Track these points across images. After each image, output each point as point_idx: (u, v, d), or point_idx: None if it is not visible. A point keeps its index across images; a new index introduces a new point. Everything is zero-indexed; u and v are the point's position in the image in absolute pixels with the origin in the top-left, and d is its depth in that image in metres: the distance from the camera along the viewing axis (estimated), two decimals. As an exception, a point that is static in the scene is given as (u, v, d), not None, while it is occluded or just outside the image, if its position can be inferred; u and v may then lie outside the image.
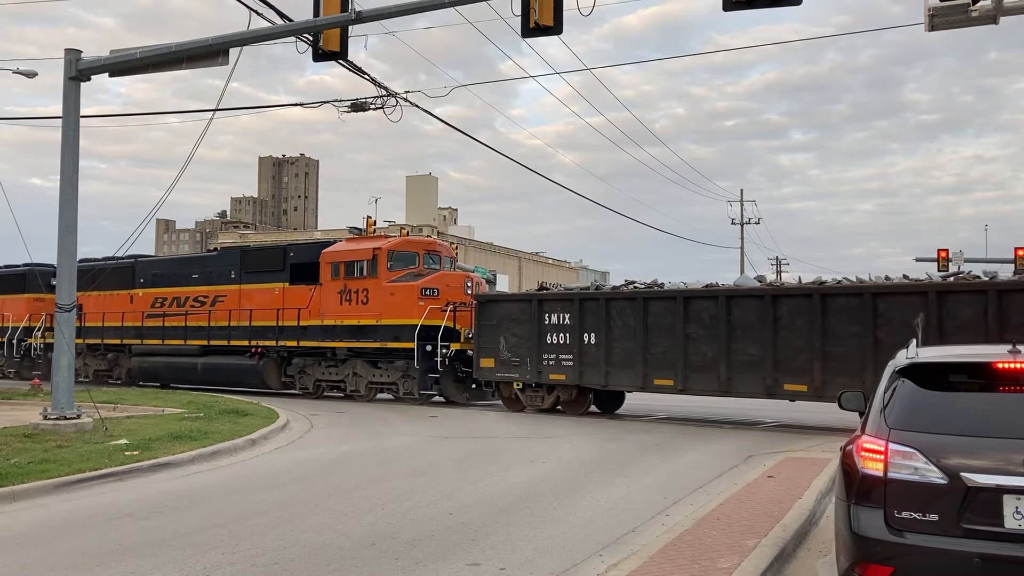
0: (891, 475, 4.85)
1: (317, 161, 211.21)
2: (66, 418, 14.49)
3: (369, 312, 21.78)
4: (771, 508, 8.46)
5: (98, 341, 28.55)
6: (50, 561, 6.91)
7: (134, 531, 7.89)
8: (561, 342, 18.96)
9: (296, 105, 19.75)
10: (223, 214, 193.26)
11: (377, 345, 21.77)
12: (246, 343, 24.38)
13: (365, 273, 21.92)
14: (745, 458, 12.57)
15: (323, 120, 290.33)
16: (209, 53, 14.98)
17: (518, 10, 12.86)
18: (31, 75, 23.43)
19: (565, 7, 12.75)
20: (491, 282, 45.14)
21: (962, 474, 4.68)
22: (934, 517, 4.71)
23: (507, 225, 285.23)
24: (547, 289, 20.72)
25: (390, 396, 22.42)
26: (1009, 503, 4.59)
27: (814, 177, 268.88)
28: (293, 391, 24.25)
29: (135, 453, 11.94)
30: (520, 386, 19.87)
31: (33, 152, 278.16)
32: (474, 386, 21.22)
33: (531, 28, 12.81)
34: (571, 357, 18.75)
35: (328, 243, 23.99)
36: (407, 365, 21.32)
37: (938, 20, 11.18)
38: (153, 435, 13.59)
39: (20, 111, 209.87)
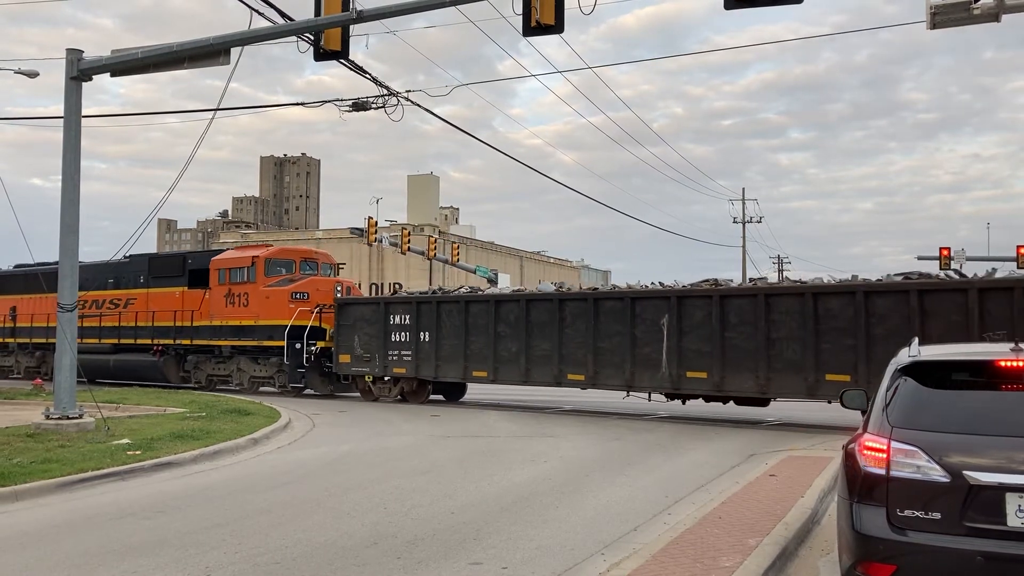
0: (893, 473, 4.85)
1: (318, 161, 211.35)
2: (68, 418, 14.51)
3: (248, 313, 24.24)
4: (773, 507, 8.45)
5: (27, 340, 30.71)
6: (52, 561, 6.91)
7: (136, 530, 7.90)
8: (403, 340, 21.66)
9: (298, 104, 19.80)
10: (224, 214, 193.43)
11: (255, 343, 24.19)
12: (149, 341, 26.65)
13: (246, 279, 24.44)
14: (747, 457, 12.56)
15: (322, 120, 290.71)
16: (210, 53, 14.99)
17: (519, 9, 12.85)
18: (33, 75, 23.44)
19: (566, 6, 12.75)
20: (492, 281, 45.17)
21: (964, 472, 4.67)
22: (936, 515, 4.70)
23: (507, 224, 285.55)
24: (396, 292, 24.05)
25: (273, 388, 24.57)
26: (1012, 501, 4.58)
27: (813, 176, 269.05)
28: (189, 385, 26.25)
29: (137, 453, 11.95)
30: (371, 379, 22.47)
31: (33, 152, 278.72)
32: (340, 380, 23.48)
33: (532, 27, 12.80)
34: (410, 353, 21.48)
35: (219, 251, 26.83)
36: (280, 361, 23.63)
37: (940, 18, 11.17)
38: (155, 434, 13.60)
39: (20, 111, 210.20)
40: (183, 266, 26.31)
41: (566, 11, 12.76)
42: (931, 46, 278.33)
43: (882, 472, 4.89)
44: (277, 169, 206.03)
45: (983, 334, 12.80)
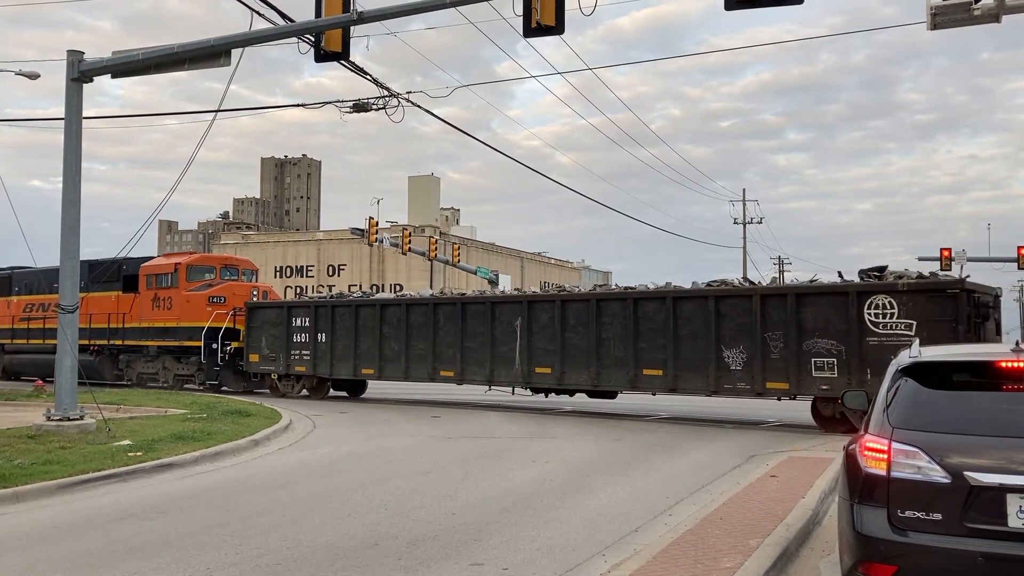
0: (894, 474, 4.85)
1: (319, 162, 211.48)
2: (69, 419, 14.51)
3: (172, 316, 26.22)
4: (774, 507, 8.45)
5: None
6: (53, 562, 6.92)
7: (137, 531, 7.90)
8: (303, 340, 23.58)
9: (299, 106, 19.82)
10: (225, 215, 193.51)
11: (177, 343, 26.07)
12: (87, 342, 27.17)
13: (169, 284, 26.51)
14: (748, 457, 12.56)
15: (321, 122, 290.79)
16: (211, 54, 14.99)
17: (519, 10, 12.86)
18: (34, 76, 23.47)
19: (566, 7, 12.76)
20: (493, 282, 45.16)
21: (965, 473, 4.67)
22: (937, 516, 4.70)
23: (507, 225, 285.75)
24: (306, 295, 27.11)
25: (195, 386, 26.04)
26: (1013, 502, 4.58)
27: (811, 177, 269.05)
28: (123, 382, 27.83)
29: (138, 454, 11.95)
30: (277, 376, 24.30)
31: (33, 154, 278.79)
32: (251, 377, 25.21)
33: (533, 28, 12.81)
34: (309, 352, 23.40)
35: (150, 259, 28.49)
36: (199, 360, 25.42)
37: (940, 19, 11.17)
38: (156, 436, 13.61)
39: (20, 113, 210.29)
40: (118, 272, 27.84)
41: (566, 12, 12.78)
42: (928, 47, 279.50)
43: (883, 473, 4.88)
44: (278, 170, 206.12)
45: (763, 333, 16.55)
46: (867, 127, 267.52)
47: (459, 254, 48.35)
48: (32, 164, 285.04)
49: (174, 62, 15.27)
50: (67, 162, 15.16)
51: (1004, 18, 11.28)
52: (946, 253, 40.65)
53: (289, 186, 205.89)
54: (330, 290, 57.17)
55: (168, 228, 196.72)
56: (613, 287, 20.75)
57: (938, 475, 4.74)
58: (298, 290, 64.65)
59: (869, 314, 15.67)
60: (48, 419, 14.53)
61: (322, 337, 23.11)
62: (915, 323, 15.26)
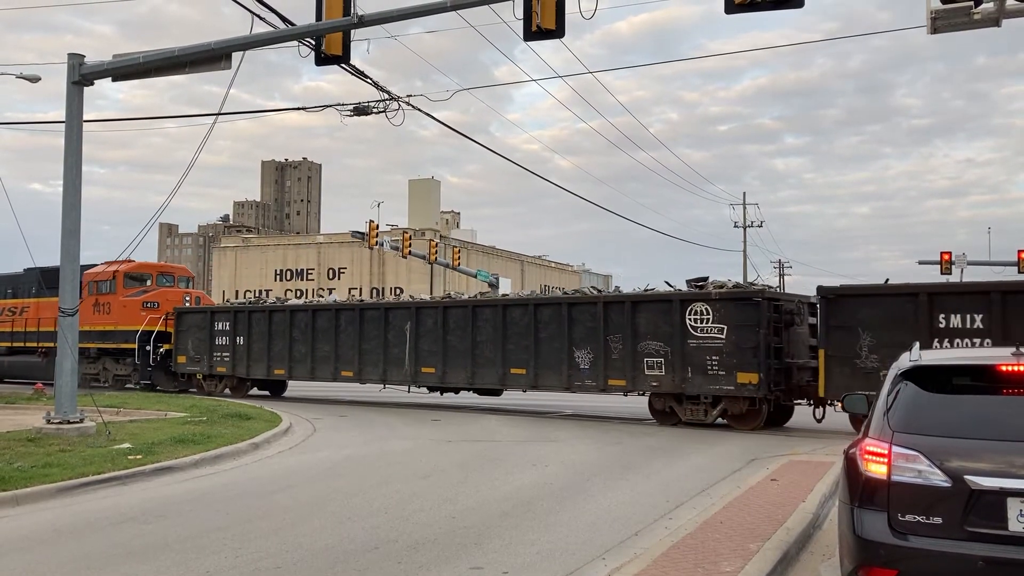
0: (895, 478, 4.84)
1: (320, 165, 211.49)
2: (69, 422, 14.50)
3: (110, 320, 28.07)
4: (774, 511, 8.44)
5: None
6: (53, 565, 6.91)
7: (137, 535, 7.89)
8: (223, 343, 25.41)
9: (300, 109, 19.83)
10: (226, 218, 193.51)
11: (114, 345, 28.01)
12: (36, 345, 29.86)
13: (109, 290, 28.40)
14: (748, 461, 12.55)
15: (320, 125, 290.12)
16: (212, 57, 15.01)
17: (519, 13, 12.87)
18: (35, 80, 23.50)
19: (566, 11, 12.76)
20: (494, 285, 45.15)
21: (966, 477, 4.66)
22: (938, 520, 4.69)
23: (506, 229, 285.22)
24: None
25: (132, 385, 27.85)
26: (1013, 506, 4.57)
27: (809, 181, 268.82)
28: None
29: (138, 457, 11.94)
30: (201, 376, 26.20)
31: (33, 157, 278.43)
32: (180, 377, 27.05)
33: (533, 31, 12.82)
34: (229, 354, 25.25)
35: (93, 266, 29.61)
36: (134, 361, 27.30)
37: (940, 23, 11.18)
38: (156, 439, 13.59)
39: (19, 117, 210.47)
40: None
41: (566, 16, 12.79)
42: (924, 52, 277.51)
43: (883, 477, 4.88)
44: (278, 173, 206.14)
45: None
46: (864, 132, 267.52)
47: (459, 257, 48.35)
48: (32, 167, 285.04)
49: (175, 65, 15.29)
50: (67, 165, 15.17)
51: (1003, 22, 11.29)
52: (946, 257, 40.66)
53: (289, 189, 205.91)
54: (329, 293, 57.19)
55: (168, 231, 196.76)
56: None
57: (939, 479, 4.73)
58: (298, 293, 64.66)
59: (690, 319, 17.61)
60: (48, 422, 14.52)
61: (240, 340, 25.02)
62: (726, 327, 17.16)
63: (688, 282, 18.66)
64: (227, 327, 25.38)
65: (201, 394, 25.27)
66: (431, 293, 55.43)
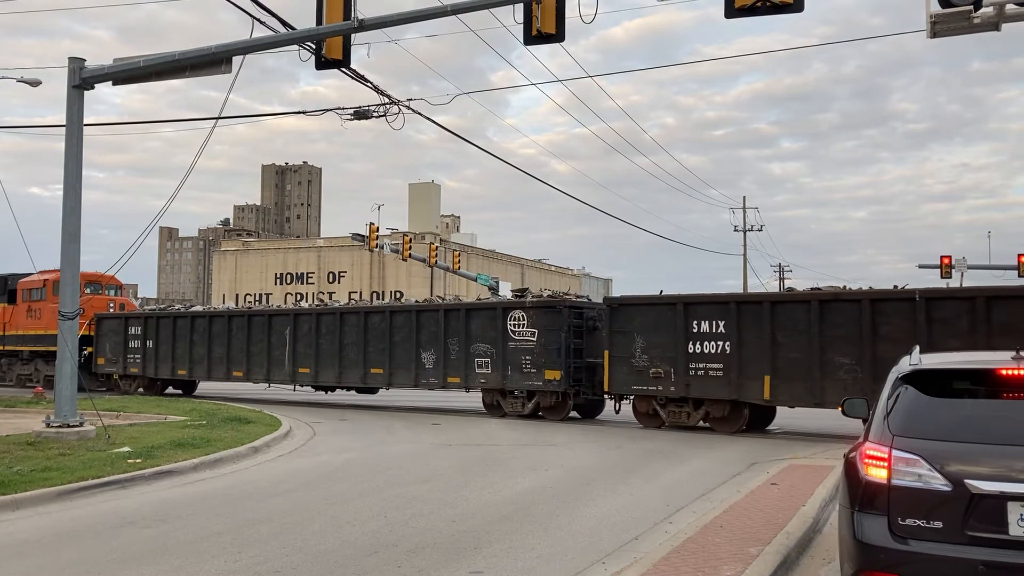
0: (895, 482, 4.84)
1: (320, 169, 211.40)
2: (69, 426, 14.50)
3: (41, 325, 30.00)
4: (774, 515, 8.44)
5: None
6: (52, 569, 6.90)
7: (136, 539, 7.88)
8: (136, 346, 27.81)
9: (300, 113, 19.93)
10: (226, 222, 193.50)
11: (45, 348, 29.47)
12: None
13: (40, 297, 30.46)
14: (748, 465, 12.54)
15: (318, 130, 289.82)
16: (212, 61, 15.03)
17: (519, 18, 12.89)
18: (35, 84, 23.53)
19: (566, 15, 12.79)
20: (494, 289, 45.14)
21: (966, 481, 4.66)
22: (938, 524, 4.69)
23: (504, 233, 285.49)
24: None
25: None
26: (1014, 510, 4.57)
27: (806, 185, 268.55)
28: (5, 383, 31.63)
29: (138, 461, 11.93)
30: (118, 376, 28.54)
31: (31, 161, 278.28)
32: (101, 378, 29.18)
33: (533, 36, 12.85)
34: (140, 356, 27.65)
35: (28, 275, 31.56)
36: None
37: (940, 27, 11.19)
38: (156, 443, 13.58)
39: (18, 122, 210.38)
40: (4, 286, 32.19)
41: (566, 20, 12.81)
42: (919, 57, 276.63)
43: (883, 481, 4.87)
44: (279, 177, 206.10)
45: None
46: (860, 136, 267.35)
47: (459, 261, 48.36)
48: (30, 171, 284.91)
49: (175, 69, 15.30)
50: (68, 169, 15.18)
51: (1003, 27, 11.30)
52: (946, 261, 40.68)
53: (290, 193, 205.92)
54: (330, 297, 57.20)
55: (169, 235, 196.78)
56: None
57: (939, 483, 4.72)
58: (298, 297, 64.64)
59: (510, 325, 20.30)
60: (48, 426, 14.51)
61: (149, 343, 27.50)
62: (537, 331, 19.85)
63: (512, 292, 21.70)
64: (139, 332, 27.80)
65: (118, 393, 27.65)
66: (431, 297, 55.48)
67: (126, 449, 12.92)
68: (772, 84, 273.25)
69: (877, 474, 4.91)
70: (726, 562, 6.66)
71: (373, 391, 24.92)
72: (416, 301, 23.08)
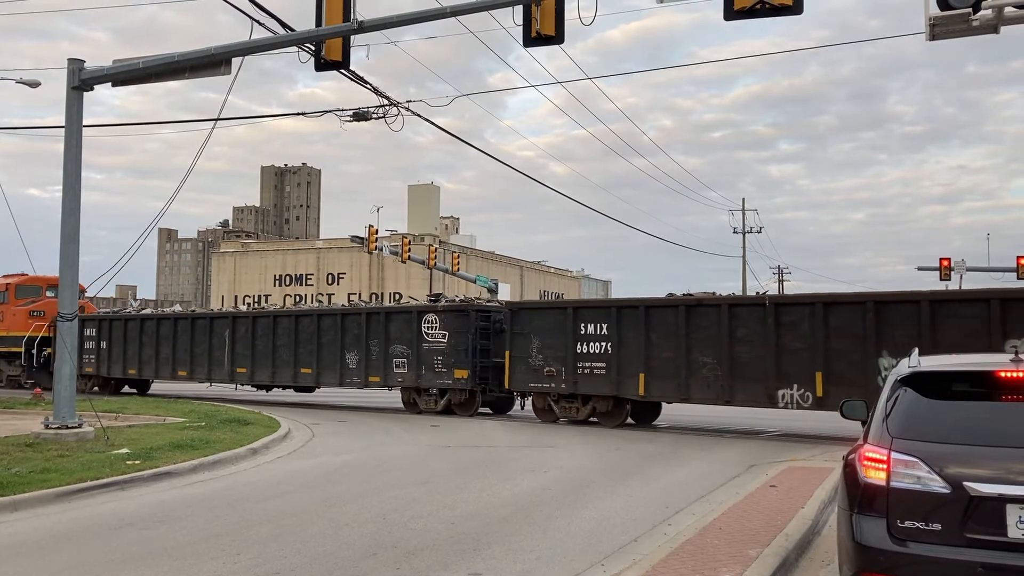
0: (894, 484, 4.84)
1: (319, 170, 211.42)
2: (67, 427, 14.49)
3: (3, 327, 31.43)
4: (773, 518, 8.44)
5: None
6: (51, 571, 6.90)
7: (135, 541, 7.88)
8: (91, 347, 29.15)
9: (299, 115, 19.90)
10: (225, 223, 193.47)
11: (6, 349, 31.20)
12: None
13: (3, 300, 31.68)
14: (747, 467, 12.54)
15: (316, 131, 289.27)
16: (212, 63, 15.04)
17: (519, 20, 12.90)
18: (35, 85, 23.53)
19: (566, 17, 12.80)
20: (492, 291, 45.11)
21: (965, 483, 4.66)
22: (937, 526, 4.69)
23: (503, 234, 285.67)
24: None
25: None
26: (1012, 512, 4.57)
27: (804, 187, 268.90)
28: None
29: (136, 462, 11.93)
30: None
31: (29, 162, 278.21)
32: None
33: (533, 38, 12.86)
34: (94, 357, 29.15)
35: None
36: (22, 363, 30.89)
37: (939, 29, 11.20)
38: (154, 444, 13.57)
39: (16, 123, 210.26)
40: None
41: (565, 22, 12.82)
42: (915, 60, 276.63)
43: (882, 483, 4.87)
44: (278, 179, 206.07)
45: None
46: (857, 138, 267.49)
47: (459, 263, 48.35)
48: (29, 173, 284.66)
49: (175, 70, 15.30)
50: (67, 170, 15.17)
51: (1001, 29, 11.31)
52: (945, 263, 40.70)
53: (289, 194, 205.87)
54: (329, 299, 57.16)
55: (168, 236, 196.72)
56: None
57: (938, 485, 4.73)
58: (297, 298, 64.61)
59: (424, 327, 21.73)
60: (46, 427, 14.50)
61: (103, 345, 28.93)
62: (448, 333, 21.28)
63: (427, 296, 23.38)
64: (93, 333, 29.14)
65: (77, 392, 28.17)
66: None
67: (125, 451, 12.91)
68: (769, 87, 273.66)
69: (876, 476, 4.91)
70: (725, 564, 6.66)
71: (310, 390, 26.27)
72: (343, 305, 24.48)
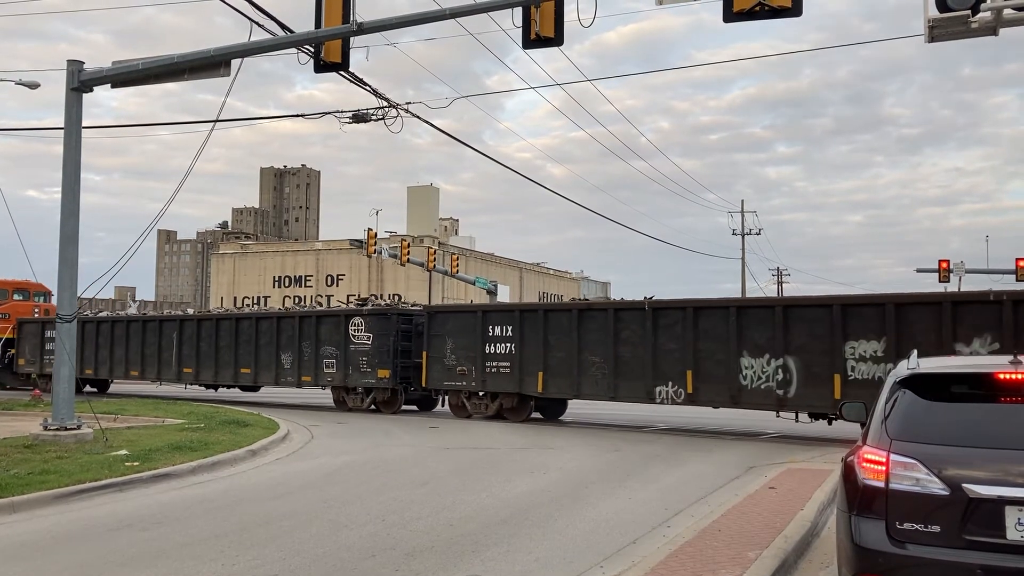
0: (892, 486, 4.84)
1: (318, 172, 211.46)
2: (66, 429, 14.47)
3: None
4: (772, 519, 8.44)
5: None
6: (49, 572, 6.89)
7: (134, 542, 7.87)
8: (51, 348, 28.29)
9: (299, 116, 19.88)
10: (224, 225, 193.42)
11: None
12: None
13: None
14: (746, 469, 12.54)
15: (314, 133, 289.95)
16: (211, 64, 15.03)
17: (518, 21, 12.91)
18: (34, 86, 23.51)
19: (565, 19, 12.80)
20: (492, 292, 45.11)
21: (964, 485, 4.66)
22: (936, 528, 4.69)
23: (501, 236, 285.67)
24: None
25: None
26: (1011, 514, 4.57)
27: (801, 189, 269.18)
28: None
29: (135, 464, 11.92)
30: (36, 375, 31.11)
31: (27, 164, 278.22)
32: (23, 377, 31.77)
33: (532, 39, 12.86)
34: (52, 357, 27.80)
35: None
36: None
37: (938, 31, 11.21)
38: (153, 446, 13.57)
39: (13, 124, 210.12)
40: None
41: (565, 24, 12.82)
42: (911, 63, 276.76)
43: (881, 485, 4.87)
44: (277, 180, 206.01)
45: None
46: (854, 140, 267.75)
47: (458, 265, 48.34)
48: (27, 174, 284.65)
49: (174, 72, 15.30)
50: (66, 171, 15.17)
51: (1000, 31, 11.32)
52: (944, 265, 40.71)
53: (288, 196, 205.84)
54: (328, 301, 57.15)
55: (167, 238, 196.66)
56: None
57: (936, 487, 4.72)
58: (297, 300, 64.57)
59: (351, 330, 23.02)
60: (45, 429, 14.49)
61: (66, 345, 28.18)
62: (372, 335, 22.60)
63: (355, 301, 25.02)
64: (54, 335, 29.14)
65: (39, 390, 28.81)
66: (429, 301, 55.34)
67: (123, 452, 12.90)
68: (765, 89, 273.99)
69: (875, 478, 4.91)
70: (724, 566, 6.66)
71: (254, 389, 27.77)
72: (278, 309, 26.27)
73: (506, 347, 20.32)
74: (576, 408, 23.08)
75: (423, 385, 21.94)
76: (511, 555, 7.35)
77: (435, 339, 21.56)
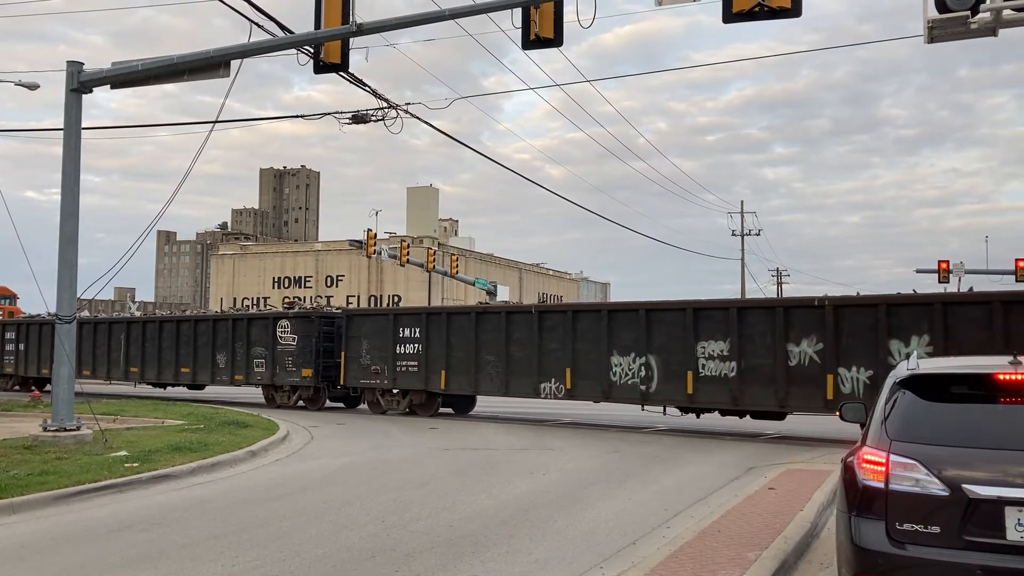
0: (892, 487, 4.84)
1: (318, 173, 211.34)
2: (66, 430, 14.47)
3: None
4: (772, 520, 8.43)
5: None
6: (49, 573, 6.89)
7: (133, 543, 7.87)
8: (11, 349, 32.31)
9: (298, 117, 19.91)
10: (224, 226, 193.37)
11: None
12: None
13: None
14: (746, 470, 12.54)
15: (313, 134, 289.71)
16: (211, 65, 15.03)
17: (518, 23, 12.91)
18: (33, 87, 23.51)
19: (564, 20, 12.81)
20: (492, 293, 45.12)
21: (964, 486, 4.66)
22: (936, 529, 4.69)
23: (501, 237, 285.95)
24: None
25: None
26: (1011, 515, 4.57)
27: (799, 190, 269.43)
28: None
29: (135, 465, 11.91)
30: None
31: (26, 165, 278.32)
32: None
33: (532, 40, 12.86)
34: (14, 357, 32.22)
35: None
36: None
37: (937, 32, 11.21)
38: (153, 447, 13.56)
39: (12, 125, 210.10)
40: None
41: (564, 24, 12.83)
42: (907, 64, 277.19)
43: (881, 485, 4.87)
44: (276, 181, 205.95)
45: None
46: (852, 141, 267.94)
47: (457, 265, 48.33)
48: (26, 175, 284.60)
49: (173, 73, 15.30)
50: (66, 172, 15.16)
51: (999, 32, 11.32)
52: (944, 265, 40.71)
53: (288, 197, 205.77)
54: (328, 301, 57.16)
55: (167, 239, 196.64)
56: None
57: (936, 488, 4.72)
58: (296, 300, 64.55)
59: (279, 332, 24.43)
60: (45, 430, 14.48)
61: (22, 346, 31.98)
62: (297, 336, 24.05)
63: (283, 305, 27.06)
64: (13, 336, 32.31)
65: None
66: (429, 301, 55.33)
67: (123, 453, 12.90)
68: (763, 90, 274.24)
69: (875, 479, 4.91)
70: (724, 567, 6.66)
71: (200, 387, 28.75)
72: (215, 312, 28.19)
73: (414, 347, 21.81)
74: (576, 409, 23.13)
75: (342, 383, 23.22)
76: (511, 556, 7.35)
77: (352, 340, 22.91)
